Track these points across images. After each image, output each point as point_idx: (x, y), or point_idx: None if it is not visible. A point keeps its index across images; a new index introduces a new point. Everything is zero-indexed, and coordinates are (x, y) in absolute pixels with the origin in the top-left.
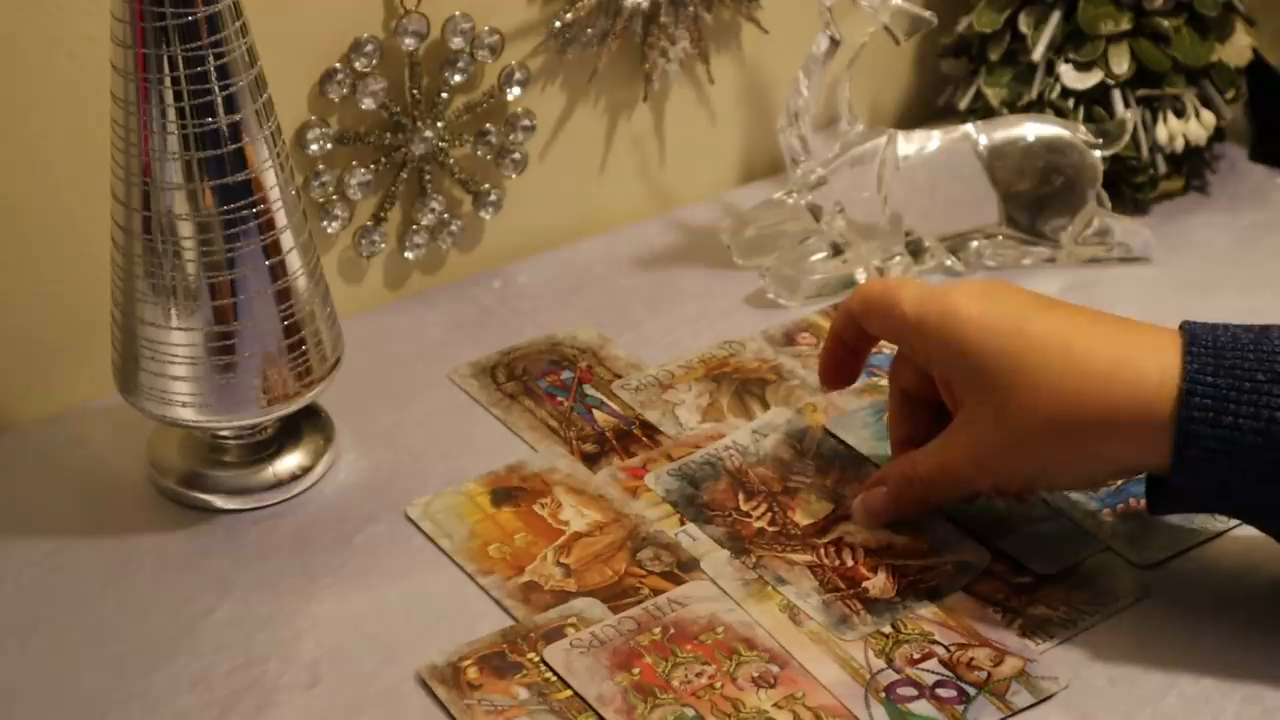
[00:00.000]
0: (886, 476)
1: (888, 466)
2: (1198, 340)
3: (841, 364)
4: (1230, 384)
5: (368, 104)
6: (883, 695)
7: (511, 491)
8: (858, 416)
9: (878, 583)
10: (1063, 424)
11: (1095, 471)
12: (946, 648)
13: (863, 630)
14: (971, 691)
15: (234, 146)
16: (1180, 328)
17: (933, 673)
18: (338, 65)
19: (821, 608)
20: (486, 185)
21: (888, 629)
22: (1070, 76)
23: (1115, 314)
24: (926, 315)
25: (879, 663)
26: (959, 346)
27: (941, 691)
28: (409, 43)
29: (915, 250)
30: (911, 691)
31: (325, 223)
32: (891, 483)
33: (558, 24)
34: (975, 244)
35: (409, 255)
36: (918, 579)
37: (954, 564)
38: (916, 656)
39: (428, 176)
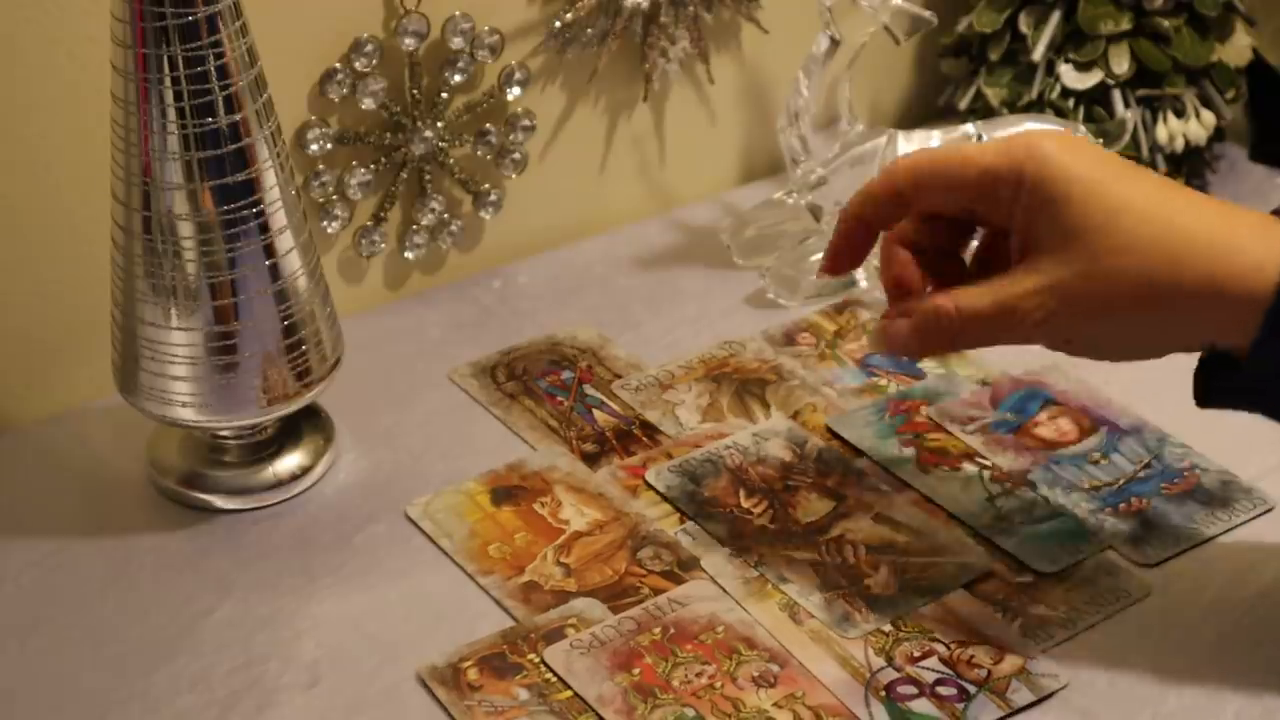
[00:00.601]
0: (913, 310)
1: (915, 301)
2: None
3: (854, 247)
4: None
5: (368, 104)
6: (883, 694)
7: (511, 490)
8: (859, 415)
9: (879, 580)
10: (1152, 288)
11: (1163, 344)
12: (947, 645)
13: (864, 628)
14: (971, 689)
15: (234, 146)
16: (1276, 211)
17: (933, 671)
18: (338, 65)
19: (823, 605)
20: (486, 185)
21: (888, 627)
22: (1070, 76)
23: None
24: (1014, 156)
25: (879, 661)
26: (1050, 192)
27: (942, 690)
28: (409, 43)
29: None
30: (912, 690)
31: (325, 223)
32: (919, 316)
33: (558, 24)
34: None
35: (409, 255)
36: (919, 576)
37: (955, 563)
38: (916, 654)
39: (428, 176)
